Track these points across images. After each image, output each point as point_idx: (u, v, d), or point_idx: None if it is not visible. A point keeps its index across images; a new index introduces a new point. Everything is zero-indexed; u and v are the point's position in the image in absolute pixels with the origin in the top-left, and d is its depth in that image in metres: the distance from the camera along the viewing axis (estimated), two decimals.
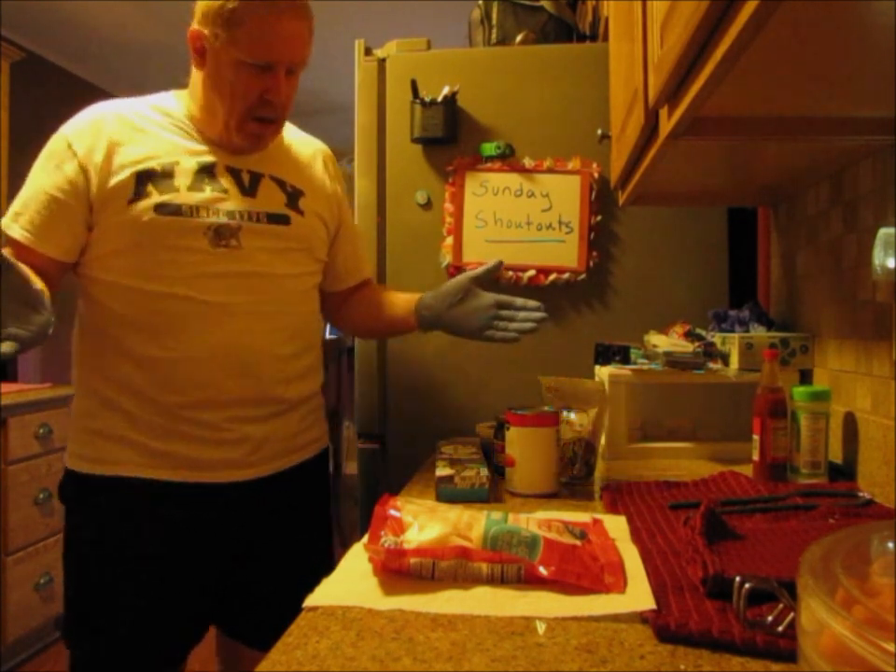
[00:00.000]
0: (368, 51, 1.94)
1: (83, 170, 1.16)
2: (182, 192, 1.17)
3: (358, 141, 1.94)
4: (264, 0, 1.11)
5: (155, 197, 1.15)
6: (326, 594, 0.75)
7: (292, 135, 1.35)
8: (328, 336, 4.83)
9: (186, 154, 1.20)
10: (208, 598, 1.24)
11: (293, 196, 1.28)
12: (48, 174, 1.18)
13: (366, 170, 1.93)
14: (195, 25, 1.17)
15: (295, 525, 1.30)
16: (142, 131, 1.20)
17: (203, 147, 1.22)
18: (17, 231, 1.16)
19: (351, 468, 2.73)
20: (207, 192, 1.19)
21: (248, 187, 1.23)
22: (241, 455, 1.20)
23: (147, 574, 1.17)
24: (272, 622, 1.20)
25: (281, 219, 1.25)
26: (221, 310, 1.18)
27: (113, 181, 1.15)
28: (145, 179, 1.16)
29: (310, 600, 0.73)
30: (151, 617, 1.17)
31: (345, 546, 0.85)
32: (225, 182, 1.21)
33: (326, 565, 1.28)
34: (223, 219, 1.18)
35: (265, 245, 1.22)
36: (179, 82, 1.28)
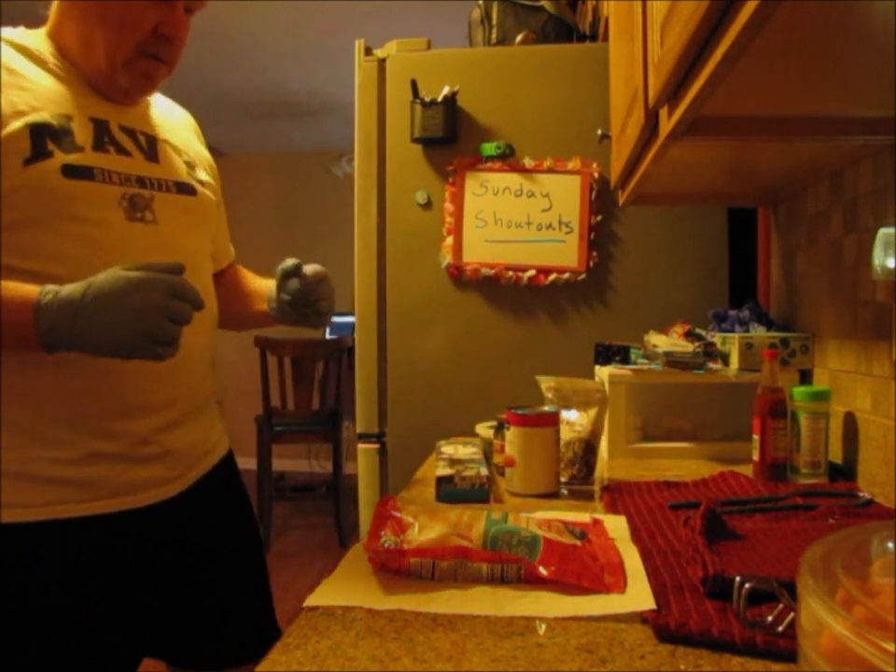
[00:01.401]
0: (368, 51, 1.94)
1: None
2: (88, 152, 0.95)
3: (358, 141, 1.94)
4: None
5: (60, 157, 0.92)
6: (326, 594, 0.75)
7: (159, 100, 1.17)
8: (328, 336, 4.83)
9: (74, 106, 0.98)
10: (141, 636, 1.03)
11: (190, 165, 1.13)
12: None
13: (366, 170, 1.93)
14: None
15: (221, 534, 1.15)
16: (14, 73, 0.94)
17: (90, 99, 1.01)
18: None
19: (351, 468, 2.74)
20: (112, 153, 0.99)
21: (149, 150, 1.05)
22: (163, 471, 1.02)
23: (69, 635, 0.94)
24: (222, 638, 1.11)
25: (188, 189, 1.08)
26: None
27: (1, 134, 0.89)
28: (41, 134, 0.92)
29: (310, 600, 0.73)
30: None
31: (345, 546, 0.84)
32: (125, 143, 1.01)
33: (261, 568, 1.20)
34: (135, 187, 0.99)
35: (179, 219, 1.05)
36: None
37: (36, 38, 1.02)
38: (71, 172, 0.93)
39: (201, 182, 1.13)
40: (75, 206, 0.93)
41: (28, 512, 0.92)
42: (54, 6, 1.03)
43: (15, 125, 0.91)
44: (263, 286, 1.25)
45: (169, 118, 1.16)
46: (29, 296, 0.85)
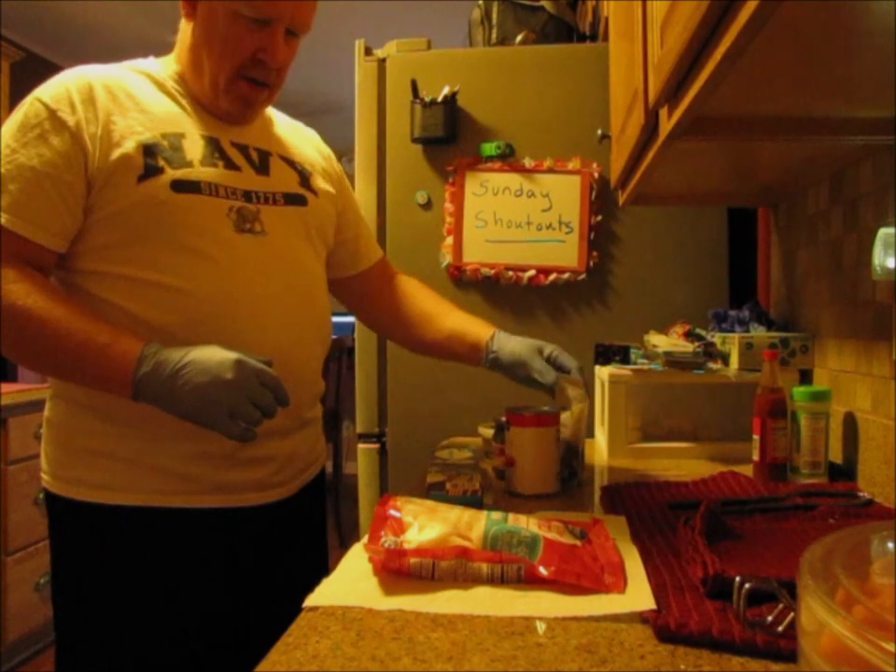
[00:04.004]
0: (368, 51, 1.94)
1: (77, 142, 0.97)
2: (197, 167, 1.02)
3: (358, 141, 1.94)
4: None
5: (169, 172, 0.99)
6: (326, 594, 0.75)
7: (281, 119, 1.25)
8: None
9: (189, 124, 1.06)
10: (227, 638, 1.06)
11: (304, 175, 1.17)
12: (28, 147, 0.96)
13: (366, 170, 1.93)
14: None
15: (307, 545, 1.22)
16: (134, 98, 1.03)
17: (204, 118, 1.08)
18: None
19: (351, 468, 2.74)
20: (221, 168, 1.05)
21: (259, 164, 1.11)
22: (267, 475, 1.08)
23: (179, 615, 1.02)
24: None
25: (298, 200, 1.13)
26: (257, 307, 1.04)
27: (116, 154, 0.98)
28: (153, 152, 1.00)
29: (310, 600, 0.73)
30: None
31: (345, 546, 0.84)
32: (235, 158, 1.08)
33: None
34: (241, 200, 1.05)
35: (289, 229, 1.10)
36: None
37: (162, 64, 1.11)
38: (179, 186, 1.00)
39: (315, 192, 1.17)
40: (185, 219, 1.00)
41: (136, 497, 1.01)
42: (179, 33, 1.10)
43: (128, 145, 0.99)
44: (470, 327, 1.30)
45: (287, 133, 1.22)
46: (134, 346, 0.93)
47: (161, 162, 1.00)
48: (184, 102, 1.08)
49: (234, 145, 1.09)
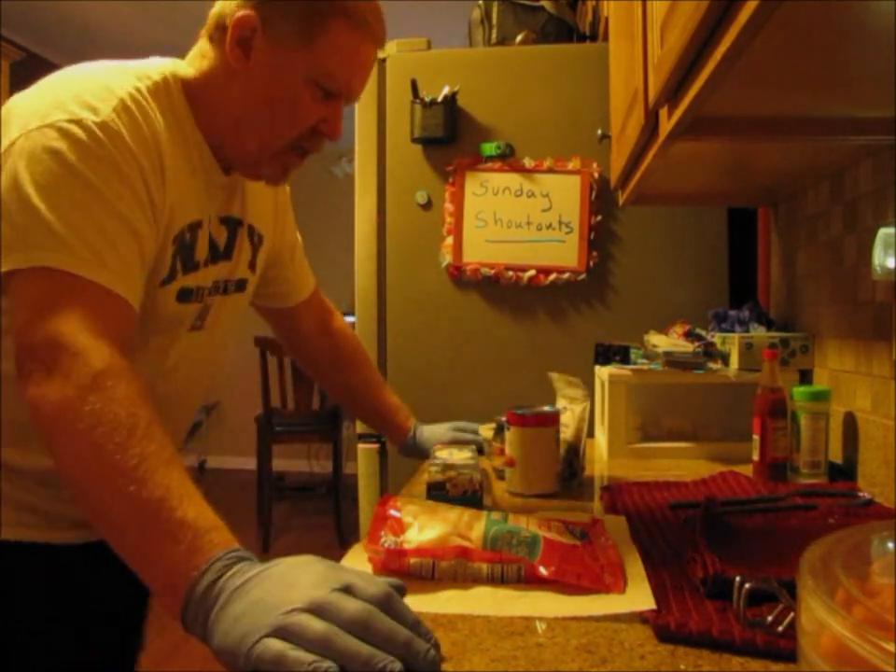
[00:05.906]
0: None
1: (150, 200, 0.82)
2: (200, 269, 0.94)
3: (358, 141, 1.94)
4: (361, 15, 0.89)
5: (180, 279, 0.91)
6: None
7: None
8: None
9: (206, 202, 0.95)
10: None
11: (255, 248, 1.09)
12: (109, 183, 0.78)
13: (366, 170, 1.93)
14: (249, 10, 0.86)
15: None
16: (167, 156, 0.87)
17: (213, 179, 0.96)
18: (85, 269, 0.74)
19: (351, 468, 2.74)
20: (210, 266, 0.98)
21: (227, 244, 1.02)
22: None
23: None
24: None
25: (241, 286, 1.08)
26: (177, 394, 1.01)
27: (161, 238, 0.87)
28: (176, 247, 0.89)
29: None
30: None
31: (345, 546, 0.84)
32: (218, 240, 1.00)
33: None
34: (210, 295, 0.99)
35: (224, 319, 1.06)
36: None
37: (175, 91, 0.91)
38: (182, 296, 0.93)
39: (255, 270, 1.11)
40: (162, 322, 0.93)
41: (22, 531, 0.92)
42: (201, 55, 0.93)
43: (170, 235, 0.88)
44: (398, 408, 1.41)
45: (251, 183, 1.07)
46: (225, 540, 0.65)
47: (178, 265, 0.91)
48: (203, 158, 0.94)
49: (221, 220, 1.00)
